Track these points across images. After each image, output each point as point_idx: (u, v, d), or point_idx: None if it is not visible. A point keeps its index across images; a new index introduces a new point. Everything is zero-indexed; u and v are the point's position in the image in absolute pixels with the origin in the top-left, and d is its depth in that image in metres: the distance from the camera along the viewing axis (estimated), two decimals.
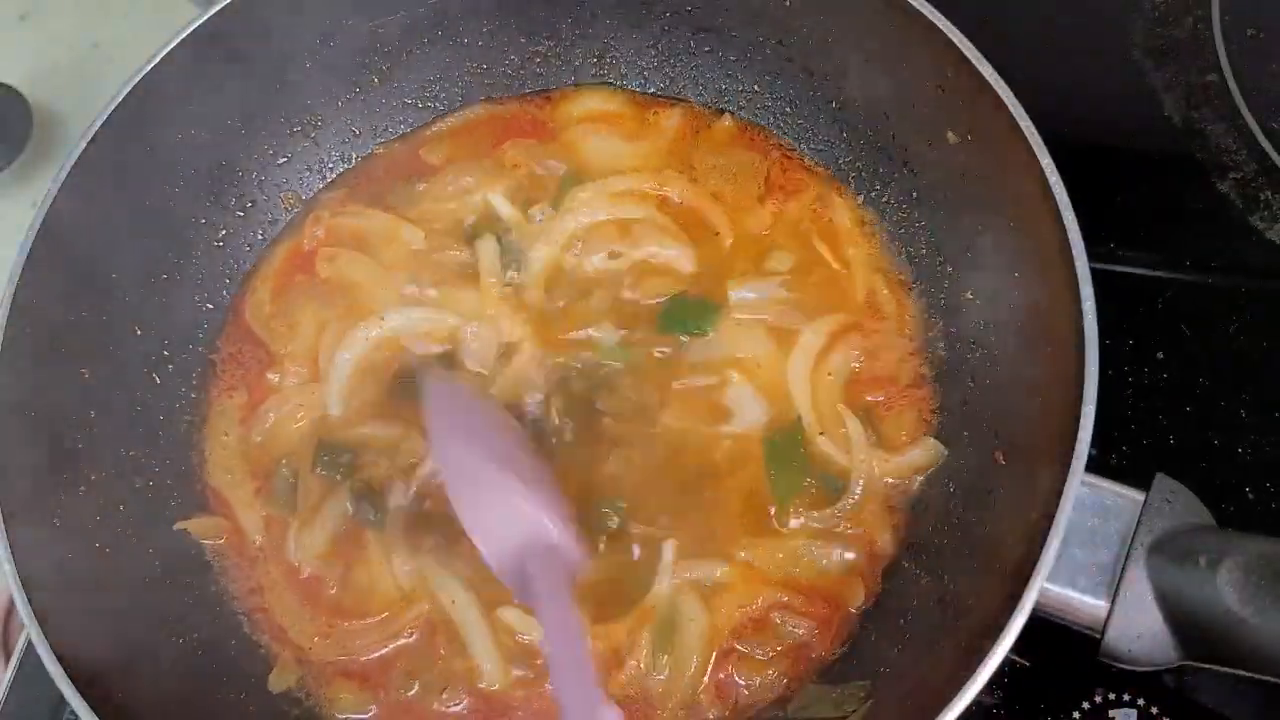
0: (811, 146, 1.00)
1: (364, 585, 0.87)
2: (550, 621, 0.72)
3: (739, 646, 0.83)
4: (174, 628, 0.83)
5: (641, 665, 0.83)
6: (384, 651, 0.85)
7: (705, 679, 0.83)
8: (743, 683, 0.83)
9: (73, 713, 0.70)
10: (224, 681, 0.84)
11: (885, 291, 0.94)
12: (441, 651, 0.85)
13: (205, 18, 0.87)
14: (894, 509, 0.87)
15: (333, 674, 0.85)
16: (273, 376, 0.95)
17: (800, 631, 0.83)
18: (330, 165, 1.03)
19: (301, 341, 0.96)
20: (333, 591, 0.87)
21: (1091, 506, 0.70)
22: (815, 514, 0.86)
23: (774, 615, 0.84)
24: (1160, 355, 0.94)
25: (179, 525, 0.88)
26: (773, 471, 0.88)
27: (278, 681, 0.85)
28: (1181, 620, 0.68)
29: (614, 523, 0.86)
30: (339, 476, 0.90)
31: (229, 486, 0.91)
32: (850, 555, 0.85)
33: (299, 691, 0.85)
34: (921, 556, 0.84)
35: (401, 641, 0.85)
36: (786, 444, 0.89)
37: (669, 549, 0.85)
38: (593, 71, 1.05)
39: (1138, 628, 0.69)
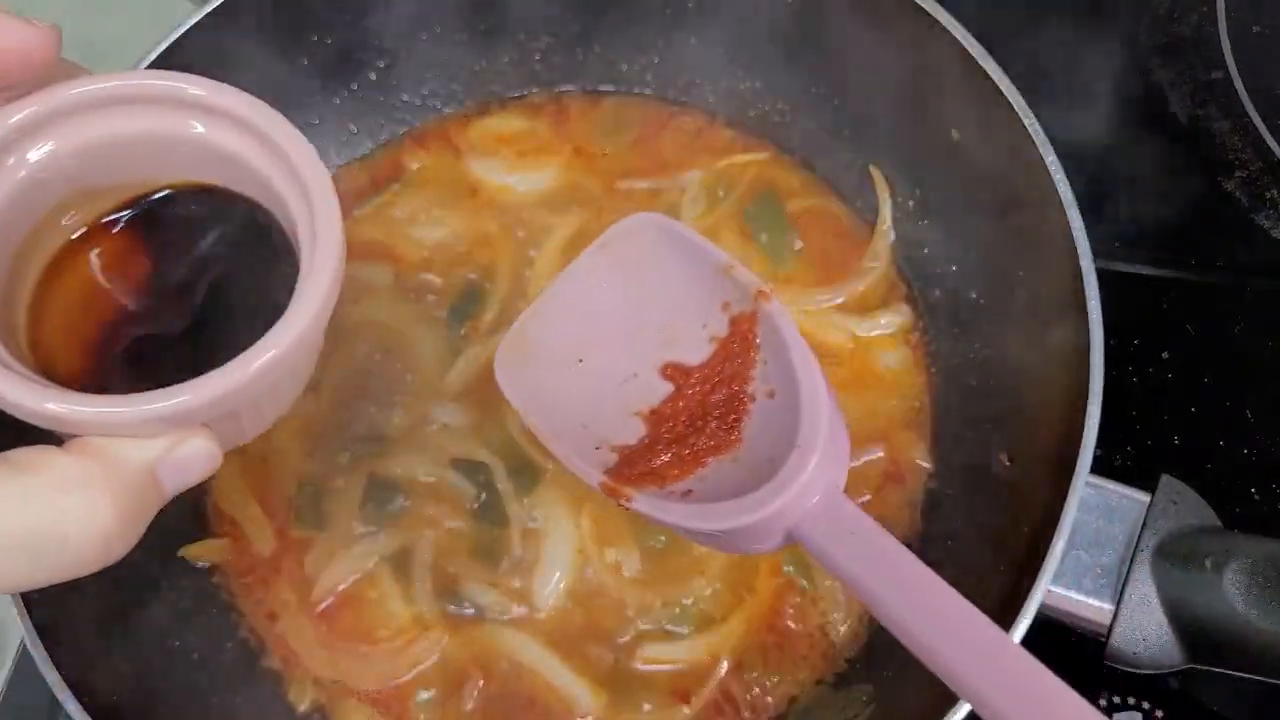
0: (812, 145, 1.00)
1: (383, 612, 0.85)
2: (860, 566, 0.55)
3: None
4: (173, 629, 0.83)
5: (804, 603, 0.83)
6: (402, 680, 0.84)
7: None
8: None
9: (68, 716, 0.69)
10: (224, 687, 0.83)
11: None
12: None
13: (201, 16, 0.87)
14: None
15: (345, 695, 0.84)
16: None
17: (879, 457, 0.86)
18: (329, 164, 1.02)
19: None
20: (347, 616, 0.86)
21: (1096, 508, 0.70)
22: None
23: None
24: (1165, 355, 0.94)
25: (181, 553, 0.87)
26: (762, 237, 0.94)
27: (297, 698, 0.84)
28: (1187, 623, 0.68)
29: None
30: (375, 528, 0.86)
31: (234, 507, 0.89)
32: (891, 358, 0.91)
33: (313, 710, 0.84)
34: (924, 558, 0.83)
35: (420, 669, 0.84)
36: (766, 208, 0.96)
37: None
38: (593, 71, 1.05)
39: (1143, 630, 0.68)
